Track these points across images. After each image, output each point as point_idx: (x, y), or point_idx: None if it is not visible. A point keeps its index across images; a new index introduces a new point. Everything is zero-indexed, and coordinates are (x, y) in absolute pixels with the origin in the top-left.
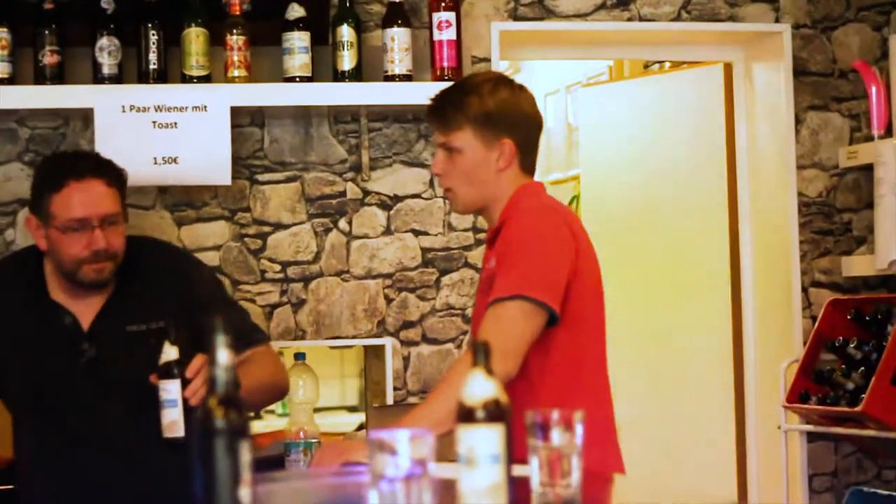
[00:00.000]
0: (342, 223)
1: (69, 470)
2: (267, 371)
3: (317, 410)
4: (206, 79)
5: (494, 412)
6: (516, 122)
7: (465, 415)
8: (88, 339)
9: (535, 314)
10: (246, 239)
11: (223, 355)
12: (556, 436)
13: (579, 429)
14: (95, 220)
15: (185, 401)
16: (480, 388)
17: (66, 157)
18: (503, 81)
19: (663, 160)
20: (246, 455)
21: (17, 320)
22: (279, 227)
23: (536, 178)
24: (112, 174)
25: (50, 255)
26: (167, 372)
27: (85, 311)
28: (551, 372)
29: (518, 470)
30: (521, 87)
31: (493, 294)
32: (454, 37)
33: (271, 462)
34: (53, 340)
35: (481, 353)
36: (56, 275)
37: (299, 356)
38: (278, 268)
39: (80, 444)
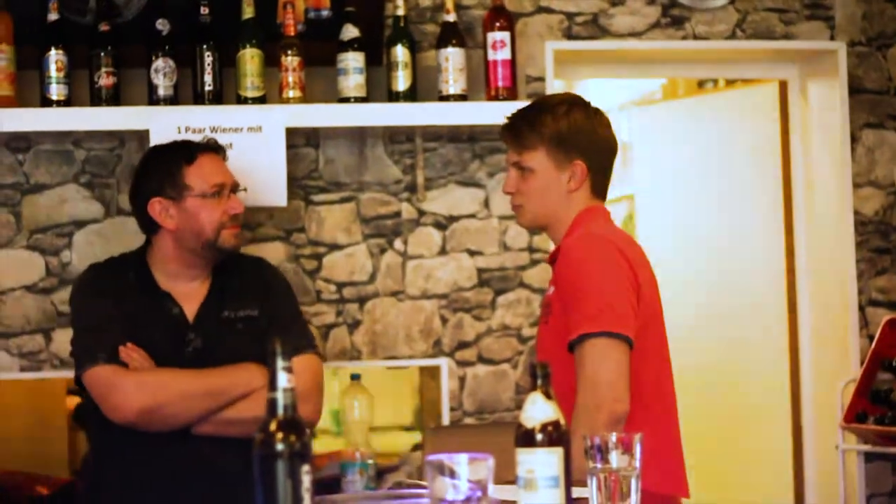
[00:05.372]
0: (397, 243)
1: (166, 456)
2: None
3: (372, 430)
4: (261, 100)
5: (554, 435)
6: (589, 144)
7: (525, 438)
8: (194, 329)
9: (622, 349)
10: (301, 260)
11: (283, 379)
12: (615, 458)
13: (638, 451)
14: (229, 186)
15: None
16: (539, 411)
17: (179, 141)
18: (579, 103)
19: (718, 179)
20: (307, 479)
21: (131, 304)
22: (334, 247)
23: None
24: (222, 151)
25: (183, 231)
26: None
27: (188, 302)
28: None
29: (578, 491)
30: (597, 111)
31: (571, 333)
32: (509, 56)
33: (328, 482)
34: (162, 329)
35: (540, 376)
36: (167, 263)
37: (355, 376)
38: (334, 288)
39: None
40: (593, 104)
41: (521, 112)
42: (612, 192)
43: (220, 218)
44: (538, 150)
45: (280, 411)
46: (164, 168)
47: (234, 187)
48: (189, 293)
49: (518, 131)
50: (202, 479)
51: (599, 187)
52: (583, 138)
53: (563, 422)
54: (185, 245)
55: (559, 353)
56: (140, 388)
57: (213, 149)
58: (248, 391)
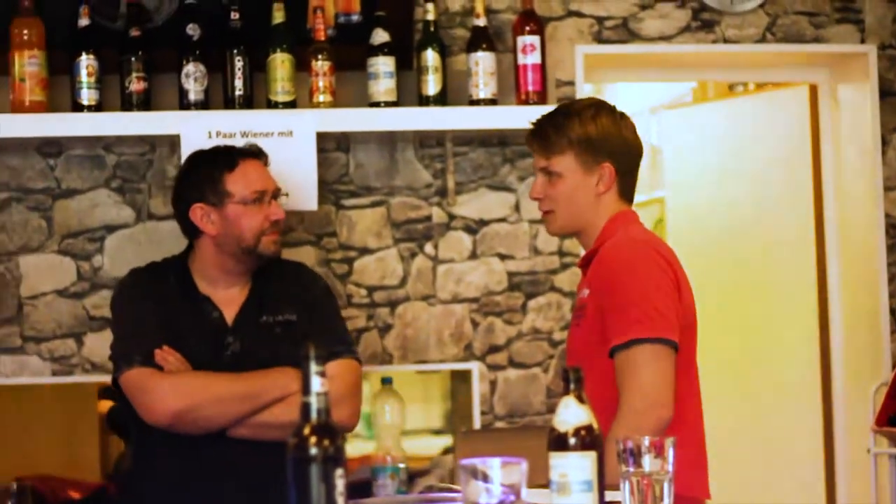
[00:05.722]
0: (428, 248)
1: (201, 459)
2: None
3: (403, 434)
4: (291, 104)
5: (587, 439)
6: (617, 147)
7: (558, 442)
8: (232, 333)
9: (669, 355)
10: (332, 264)
11: (316, 383)
12: (647, 462)
13: (671, 455)
14: (270, 192)
15: None
16: (573, 415)
17: (221, 146)
18: (605, 107)
19: (748, 182)
20: (340, 483)
21: (171, 308)
22: (365, 251)
23: None
24: (264, 157)
25: (224, 237)
26: None
27: (228, 306)
28: None
29: (611, 495)
30: (623, 115)
31: (615, 337)
32: (539, 60)
33: (359, 487)
34: (202, 333)
35: (572, 381)
36: (207, 268)
37: (386, 381)
38: (365, 293)
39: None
40: (618, 108)
41: (546, 117)
42: (643, 195)
43: (260, 224)
44: (566, 154)
45: (314, 415)
46: (205, 174)
47: (276, 193)
48: (229, 298)
49: (545, 136)
50: (238, 483)
51: (627, 190)
52: (610, 141)
53: (596, 426)
54: (225, 250)
55: (590, 355)
56: (174, 390)
57: (255, 154)
58: (283, 395)
